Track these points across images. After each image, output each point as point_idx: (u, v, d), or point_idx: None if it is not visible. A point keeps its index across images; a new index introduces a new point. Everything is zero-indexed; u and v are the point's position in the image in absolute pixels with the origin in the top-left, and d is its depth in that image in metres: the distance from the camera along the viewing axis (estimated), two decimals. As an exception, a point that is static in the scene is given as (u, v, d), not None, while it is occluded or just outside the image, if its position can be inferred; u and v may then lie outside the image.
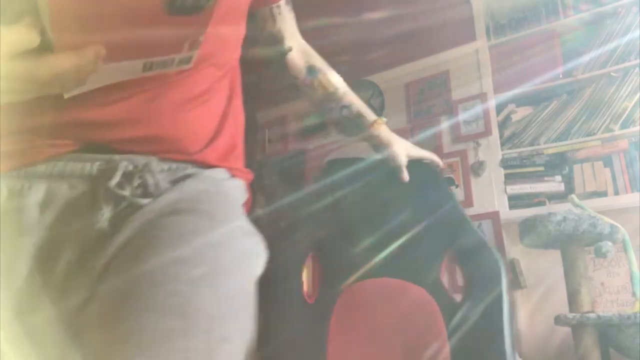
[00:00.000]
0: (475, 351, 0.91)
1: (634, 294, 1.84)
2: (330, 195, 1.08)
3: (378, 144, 1.03)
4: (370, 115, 1.01)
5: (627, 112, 2.35)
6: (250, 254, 0.59)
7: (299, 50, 0.93)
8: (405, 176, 1.04)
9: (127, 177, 0.57)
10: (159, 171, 0.59)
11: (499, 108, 2.66)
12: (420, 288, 0.99)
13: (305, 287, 0.98)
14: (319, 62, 0.95)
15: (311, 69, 0.94)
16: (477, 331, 0.92)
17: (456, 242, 1.01)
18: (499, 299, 0.93)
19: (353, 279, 1.00)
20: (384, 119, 1.02)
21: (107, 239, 0.54)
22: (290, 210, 1.10)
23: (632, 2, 2.47)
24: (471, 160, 2.64)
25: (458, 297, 0.97)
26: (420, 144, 1.08)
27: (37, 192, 0.56)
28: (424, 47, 2.91)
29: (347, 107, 0.99)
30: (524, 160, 2.51)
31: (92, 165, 0.57)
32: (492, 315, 0.91)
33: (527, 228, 1.92)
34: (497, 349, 0.89)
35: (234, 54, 0.69)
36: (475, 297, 0.94)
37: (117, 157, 0.58)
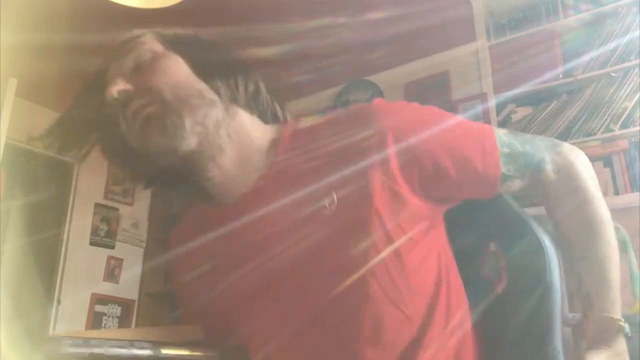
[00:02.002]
0: (517, 351, 0.78)
1: (634, 294, 1.84)
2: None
3: None
4: None
5: (627, 112, 2.35)
6: None
7: None
8: None
9: None
10: None
11: (499, 108, 2.66)
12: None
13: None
14: None
15: None
16: (518, 329, 0.79)
17: (498, 229, 0.88)
18: (544, 294, 0.81)
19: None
20: None
21: None
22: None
23: (632, 2, 2.47)
24: (471, 160, 2.64)
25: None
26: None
27: None
28: (424, 47, 2.91)
29: None
30: (524, 160, 2.51)
31: None
32: (536, 313, 0.79)
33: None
34: (543, 351, 0.77)
35: None
36: (516, 290, 0.82)
37: None
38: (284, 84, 3.26)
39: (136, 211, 4.21)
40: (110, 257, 3.94)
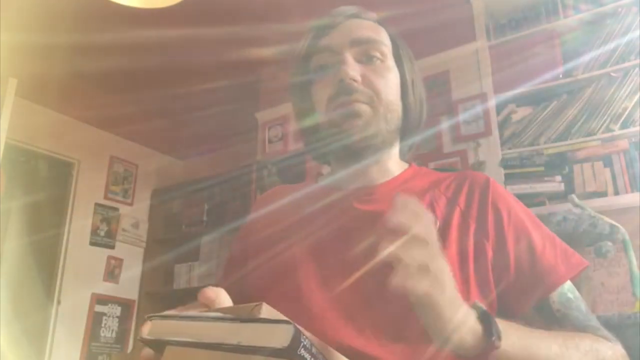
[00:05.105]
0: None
1: (634, 294, 1.84)
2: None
3: None
4: None
5: (627, 112, 2.35)
6: None
7: None
8: None
9: None
10: None
11: (499, 108, 2.66)
12: None
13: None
14: None
15: None
16: None
17: None
18: None
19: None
20: None
21: None
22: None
23: (632, 2, 2.47)
24: (471, 160, 2.64)
25: None
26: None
27: None
28: (423, 47, 2.91)
29: None
30: (524, 161, 2.51)
31: None
32: None
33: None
34: None
35: None
36: None
37: None
38: (284, 84, 3.25)
39: (136, 211, 4.22)
40: (110, 257, 3.94)
